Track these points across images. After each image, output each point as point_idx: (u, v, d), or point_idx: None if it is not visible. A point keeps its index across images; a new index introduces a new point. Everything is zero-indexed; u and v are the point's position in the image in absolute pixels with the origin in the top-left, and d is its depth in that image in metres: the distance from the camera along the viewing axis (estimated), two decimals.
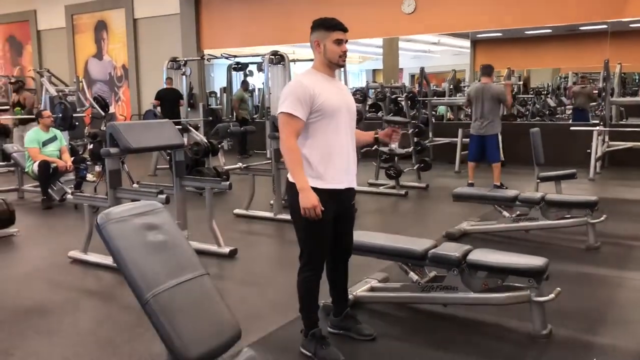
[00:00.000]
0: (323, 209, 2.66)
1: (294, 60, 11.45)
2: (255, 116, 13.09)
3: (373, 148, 7.02)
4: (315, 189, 2.71)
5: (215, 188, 4.82)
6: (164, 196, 4.09)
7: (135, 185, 4.89)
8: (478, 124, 7.21)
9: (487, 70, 7.35)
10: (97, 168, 6.77)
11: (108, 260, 4.16)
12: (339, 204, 2.84)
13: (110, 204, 4.19)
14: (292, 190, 2.74)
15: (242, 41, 12.36)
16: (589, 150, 8.49)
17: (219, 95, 14.40)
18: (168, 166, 7.60)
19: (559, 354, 2.91)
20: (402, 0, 10.61)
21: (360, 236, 3.49)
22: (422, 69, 10.29)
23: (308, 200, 2.63)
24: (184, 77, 11.15)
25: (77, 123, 7.98)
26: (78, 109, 9.50)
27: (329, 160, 2.75)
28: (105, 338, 3.20)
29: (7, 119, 11.38)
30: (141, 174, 8.63)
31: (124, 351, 3.02)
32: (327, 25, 2.76)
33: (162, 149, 4.57)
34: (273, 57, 10.58)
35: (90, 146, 7.00)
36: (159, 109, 9.53)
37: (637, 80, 15.18)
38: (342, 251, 3.01)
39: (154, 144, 4.44)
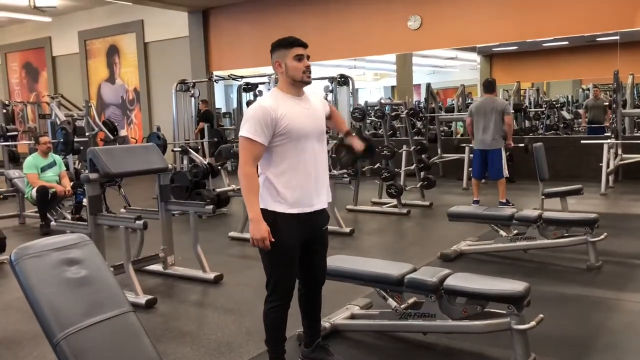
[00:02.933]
0: (273, 240, 2.55)
1: None
2: None
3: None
4: (280, 214, 2.60)
5: (198, 212, 4.73)
6: (141, 222, 4.00)
7: (122, 210, 4.83)
8: (481, 138, 7.02)
9: (490, 87, 7.16)
10: None
11: None
12: (308, 228, 2.71)
13: (91, 230, 4.13)
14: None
15: (250, 62, 12.38)
16: (601, 164, 8.23)
17: (234, 115, 14.44)
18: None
19: None
20: (407, 16, 10.51)
21: (335, 261, 3.37)
22: (428, 85, 10.16)
23: (258, 231, 2.54)
24: (192, 99, 11.20)
25: (81, 147, 7.98)
26: (87, 133, 9.56)
27: (295, 184, 2.63)
28: None
29: (22, 144, 11.58)
30: (145, 197, 8.63)
31: None
32: (285, 43, 2.65)
33: (143, 173, 4.50)
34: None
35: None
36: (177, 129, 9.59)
37: None
38: (314, 279, 2.87)
39: (134, 169, 4.36)
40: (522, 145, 8.53)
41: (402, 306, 3.20)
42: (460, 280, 3.09)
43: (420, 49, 11.55)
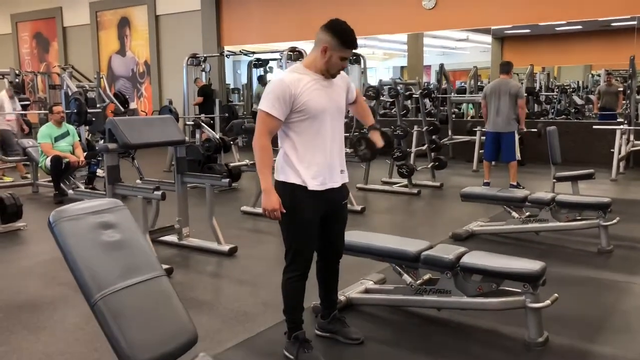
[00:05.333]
0: (284, 211, 2.61)
1: None
2: None
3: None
4: (299, 188, 2.64)
5: (215, 185, 4.77)
6: (159, 192, 4.05)
7: (138, 181, 4.87)
8: (494, 120, 7.02)
9: (506, 68, 7.14)
10: None
11: None
12: (327, 203, 2.75)
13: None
14: (276, 189, 2.68)
15: (261, 37, 12.34)
16: (612, 150, 8.22)
17: (242, 91, 14.45)
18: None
19: None
20: None
21: (353, 236, 3.40)
22: (441, 65, 10.09)
23: (269, 202, 2.59)
24: (203, 73, 11.20)
25: (93, 119, 8.01)
26: (98, 105, 9.59)
27: (311, 161, 2.66)
28: (90, 334, 3.16)
29: (32, 113, 11.60)
30: (157, 170, 8.69)
31: (108, 347, 2.99)
32: (344, 40, 2.60)
33: (162, 145, 4.54)
34: (291, 53, 10.53)
35: (101, 142, 7.03)
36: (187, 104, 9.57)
37: None
38: (332, 253, 2.92)
39: (153, 140, 4.40)
40: (535, 130, 8.52)
41: (418, 282, 3.26)
42: (477, 258, 3.13)
43: (434, 29, 11.48)
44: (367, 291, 3.53)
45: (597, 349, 2.89)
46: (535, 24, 11.07)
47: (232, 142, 8.12)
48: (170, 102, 9.07)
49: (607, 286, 3.77)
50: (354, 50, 2.71)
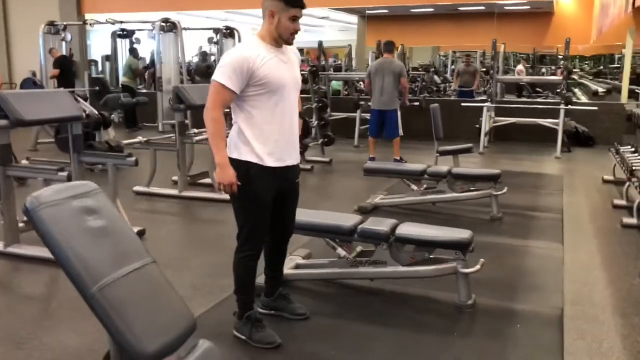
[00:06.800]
0: (239, 184, 2.55)
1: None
2: (140, 86, 12.37)
3: None
4: (254, 165, 2.58)
5: (118, 164, 4.47)
6: (64, 173, 3.71)
7: (24, 161, 4.40)
8: (378, 98, 7.31)
9: (389, 47, 7.44)
10: None
11: None
12: (281, 181, 2.71)
13: None
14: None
15: (127, 6, 11.58)
16: (477, 126, 8.95)
17: (100, 63, 13.49)
18: (53, 140, 6.99)
19: (487, 322, 3.02)
20: None
21: None
22: (320, 43, 10.24)
23: (225, 176, 2.54)
24: (63, 43, 10.30)
25: None
26: None
27: (270, 135, 2.61)
28: (7, 332, 2.86)
29: None
30: (19, 149, 7.87)
31: (33, 345, 2.73)
32: (289, 1, 2.54)
33: (59, 121, 4.14)
34: (164, 24, 10.06)
35: None
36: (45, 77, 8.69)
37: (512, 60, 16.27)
38: (284, 231, 2.91)
39: (50, 116, 4.00)
40: (417, 103, 9.01)
41: (353, 255, 3.35)
42: (410, 229, 3.30)
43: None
44: (297, 267, 3.56)
45: (519, 307, 3.19)
46: (393, 5, 11.64)
47: None
48: (34, 74, 8.24)
49: (508, 250, 4.16)
50: (301, 11, 2.58)
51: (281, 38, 2.59)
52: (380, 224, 3.31)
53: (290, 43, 2.66)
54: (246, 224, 2.69)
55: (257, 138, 2.59)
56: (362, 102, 9.26)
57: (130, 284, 1.64)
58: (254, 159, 2.59)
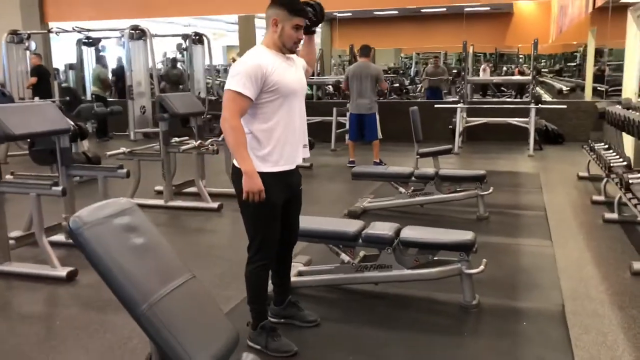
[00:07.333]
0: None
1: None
2: (106, 93, 12.15)
3: None
4: (266, 174, 2.59)
5: (109, 177, 4.40)
6: (59, 188, 3.64)
7: (8, 176, 4.28)
8: (356, 102, 7.38)
9: (366, 51, 7.52)
10: None
11: None
12: (288, 187, 2.74)
13: None
14: (237, 175, 2.60)
15: (96, 13, 11.36)
16: (450, 126, 9.11)
17: (62, 72, 13.18)
18: (24, 152, 6.81)
19: (493, 321, 3.10)
20: None
21: None
22: None
23: (254, 184, 2.52)
24: (27, 52, 10.05)
25: None
26: None
27: (283, 140, 2.64)
28: (16, 354, 2.80)
29: None
30: None
31: None
32: (293, 9, 2.59)
33: (48, 134, 4.05)
34: (134, 32, 9.91)
35: None
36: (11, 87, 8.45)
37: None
38: (290, 238, 2.93)
39: (39, 130, 3.90)
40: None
41: (357, 260, 3.39)
42: (413, 232, 3.35)
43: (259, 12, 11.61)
44: (300, 274, 3.57)
45: (521, 304, 3.28)
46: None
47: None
48: (3, 85, 8.01)
49: (500, 249, 4.25)
50: (304, 20, 2.64)
51: (285, 47, 2.64)
52: (384, 229, 3.35)
53: (293, 51, 2.70)
54: (257, 235, 2.70)
55: (269, 143, 2.62)
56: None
57: (176, 300, 1.64)
58: (264, 169, 2.61)
